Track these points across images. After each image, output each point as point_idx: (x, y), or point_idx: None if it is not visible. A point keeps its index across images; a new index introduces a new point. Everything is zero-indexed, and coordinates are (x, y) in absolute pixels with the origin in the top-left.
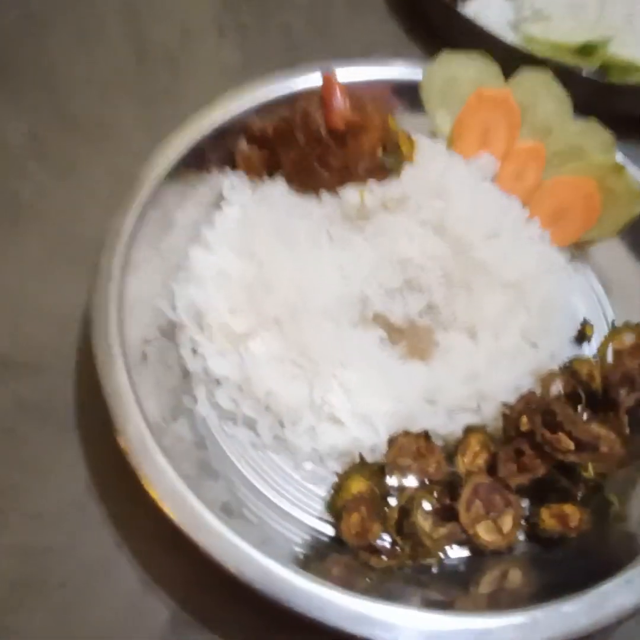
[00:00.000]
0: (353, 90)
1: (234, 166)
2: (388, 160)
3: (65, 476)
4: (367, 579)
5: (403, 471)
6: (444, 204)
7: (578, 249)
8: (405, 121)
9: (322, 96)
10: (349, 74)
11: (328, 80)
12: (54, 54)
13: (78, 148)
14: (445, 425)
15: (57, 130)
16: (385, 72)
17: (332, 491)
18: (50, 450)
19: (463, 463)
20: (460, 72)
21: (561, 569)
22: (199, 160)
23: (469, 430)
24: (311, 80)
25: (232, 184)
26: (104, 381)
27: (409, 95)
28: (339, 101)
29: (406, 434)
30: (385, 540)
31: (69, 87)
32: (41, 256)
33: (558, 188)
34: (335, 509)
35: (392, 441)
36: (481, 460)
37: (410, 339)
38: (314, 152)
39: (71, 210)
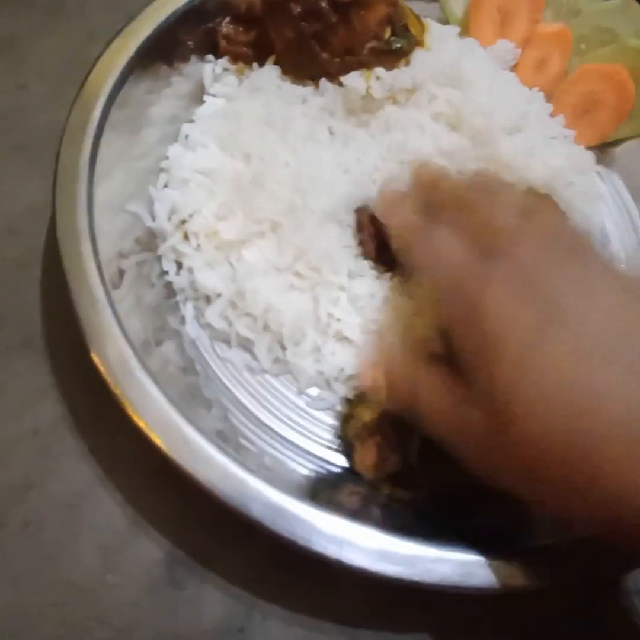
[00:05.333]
0: None
1: (216, 52)
2: (397, 43)
3: (31, 402)
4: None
5: None
6: (460, 94)
7: (603, 151)
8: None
9: None
10: None
11: None
12: None
13: (19, 21)
14: None
15: None
16: None
17: (342, 419)
18: (11, 371)
19: None
20: None
21: None
22: (174, 45)
23: None
24: None
25: (215, 73)
26: (76, 296)
27: None
28: None
29: None
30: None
31: None
32: None
33: (585, 77)
34: (346, 439)
35: None
36: None
37: None
38: (312, 28)
39: (15, 92)
